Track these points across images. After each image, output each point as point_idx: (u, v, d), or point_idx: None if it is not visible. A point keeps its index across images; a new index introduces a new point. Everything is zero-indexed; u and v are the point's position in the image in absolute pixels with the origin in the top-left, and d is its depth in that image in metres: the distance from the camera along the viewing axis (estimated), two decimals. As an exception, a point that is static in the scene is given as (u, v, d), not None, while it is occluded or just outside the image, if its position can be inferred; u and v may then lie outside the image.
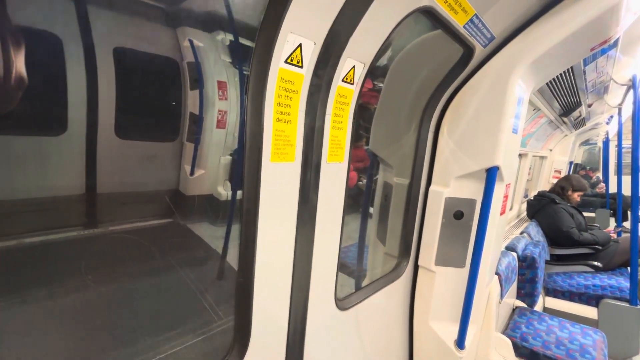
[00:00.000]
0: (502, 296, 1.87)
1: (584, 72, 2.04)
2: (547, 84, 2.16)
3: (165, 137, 1.65)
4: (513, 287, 2.28)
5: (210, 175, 1.83)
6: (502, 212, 1.57)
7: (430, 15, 0.97)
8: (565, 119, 3.58)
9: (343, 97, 0.94)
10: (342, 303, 1.19)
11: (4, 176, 1.07)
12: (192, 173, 1.75)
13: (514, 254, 2.35)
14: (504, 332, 2.07)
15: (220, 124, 1.77)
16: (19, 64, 0.73)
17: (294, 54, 0.74)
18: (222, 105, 1.71)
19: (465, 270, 1.48)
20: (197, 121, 1.70)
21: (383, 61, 1.51)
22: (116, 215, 1.43)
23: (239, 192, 0.81)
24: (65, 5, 1.04)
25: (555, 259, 3.20)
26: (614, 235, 3.44)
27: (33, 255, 1.19)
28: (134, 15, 1.17)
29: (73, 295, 1.19)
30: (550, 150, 5.06)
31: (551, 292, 2.86)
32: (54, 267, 1.24)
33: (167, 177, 1.68)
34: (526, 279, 2.42)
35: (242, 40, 1.38)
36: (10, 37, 0.68)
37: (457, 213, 1.47)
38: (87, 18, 1.08)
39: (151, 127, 1.56)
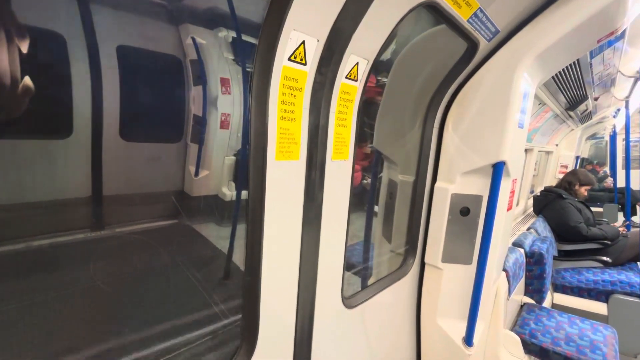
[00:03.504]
0: (510, 293, 1.86)
1: (591, 64, 2.01)
2: (552, 77, 2.13)
3: (170, 138, 1.66)
4: (521, 284, 2.26)
5: (215, 176, 1.83)
6: (509, 208, 1.55)
7: (433, 10, 0.96)
8: (571, 113, 3.53)
9: (347, 94, 0.93)
10: (349, 301, 1.19)
11: (12, 179, 1.08)
12: (196, 174, 1.76)
13: (521, 250, 2.33)
14: (512, 329, 2.05)
15: (224, 124, 1.78)
16: (24, 66, 0.73)
17: (297, 51, 0.74)
18: (226, 101, 1.71)
19: (473, 267, 1.46)
20: (201, 122, 1.70)
21: (387, 57, 1.50)
22: (122, 216, 1.43)
23: (244, 192, 0.81)
24: (69, 5, 1.04)
25: (564, 255, 3.17)
26: (623, 230, 3.39)
27: (41, 257, 1.20)
28: (136, 14, 1.18)
29: (81, 296, 1.20)
30: (557, 145, 5.00)
31: (560, 288, 2.83)
32: (62, 269, 1.25)
33: (172, 178, 1.68)
34: (534, 275, 2.39)
35: (245, 38, 1.38)
36: (16, 39, 0.69)
37: (463, 209, 1.45)
38: (90, 17, 1.08)
39: (155, 128, 1.56)
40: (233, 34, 1.49)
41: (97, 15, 1.09)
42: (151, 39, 1.28)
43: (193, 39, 1.43)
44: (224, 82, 1.69)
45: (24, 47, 0.70)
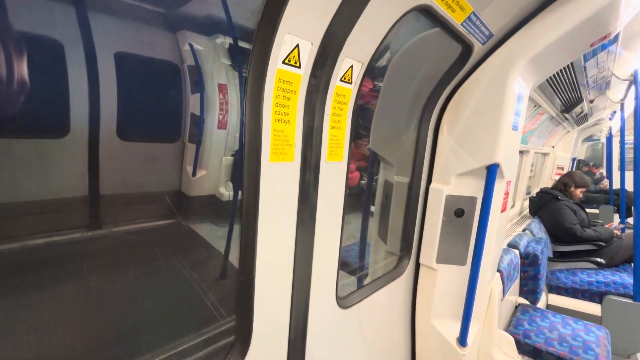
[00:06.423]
0: (504, 293, 1.87)
1: (585, 67, 2.03)
2: (547, 80, 2.15)
3: (167, 138, 1.66)
4: (515, 285, 2.27)
5: (212, 176, 1.84)
6: (503, 210, 1.57)
7: (427, 14, 0.97)
8: (567, 115, 3.56)
9: (341, 96, 0.94)
10: (344, 301, 1.20)
11: (8, 178, 1.08)
12: (194, 174, 1.76)
13: (516, 251, 2.35)
14: (506, 329, 2.07)
15: (221, 124, 1.78)
16: (21, 68, 0.74)
17: (291, 54, 0.75)
18: (223, 106, 1.72)
19: (467, 267, 1.48)
20: (198, 122, 1.71)
21: (382, 60, 1.51)
22: (119, 216, 1.44)
23: (240, 192, 0.82)
24: (67, 12, 1.05)
25: (558, 256, 3.19)
26: (618, 232, 3.42)
27: (37, 256, 1.20)
28: (134, 21, 1.18)
29: (76, 296, 1.20)
30: (553, 146, 5.03)
31: (554, 289, 2.85)
32: (58, 269, 1.25)
33: (169, 178, 1.68)
34: (529, 276, 2.41)
35: (242, 43, 1.39)
36: (13, 43, 0.69)
37: (457, 211, 1.47)
38: (88, 25, 1.09)
39: (153, 128, 1.57)
40: (229, 39, 1.50)
41: (96, 23, 1.10)
42: (149, 45, 1.28)
43: (190, 45, 1.44)
44: (221, 85, 1.69)
45: (22, 52, 0.70)
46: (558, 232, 3.23)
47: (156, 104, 1.47)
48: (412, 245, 1.56)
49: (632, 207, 4.95)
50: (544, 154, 4.90)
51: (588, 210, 3.69)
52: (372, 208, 1.83)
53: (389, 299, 1.49)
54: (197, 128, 1.71)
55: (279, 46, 0.71)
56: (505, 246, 2.39)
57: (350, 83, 0.94)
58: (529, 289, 2.43)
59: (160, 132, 1.61)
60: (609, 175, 5.38)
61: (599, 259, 3.03)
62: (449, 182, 1.45)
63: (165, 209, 1.62)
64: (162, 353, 1.10)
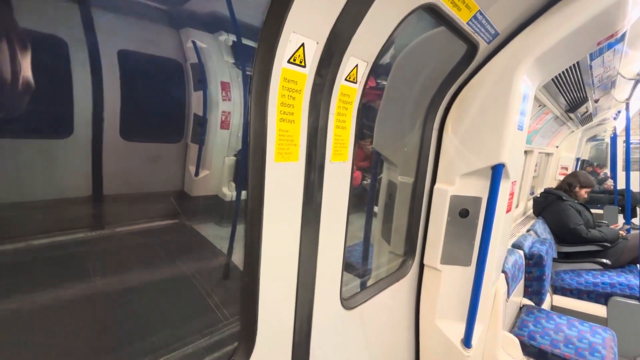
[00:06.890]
0: (509, 294, 1.86)
1: (591, 67, 2.01)
2: (552, 79, 2.13)
3: (170, 139, 1.66)
4: (520, 285, 2.26)
5: (215, 176, 1.84)
6: (508, 210, 1.55)
7: (433, 12, 0.96)
8: (571, 115, 3.53)
9: (346, 96, 0.93)
10: (348, 302, 1.19)
11: (13, 178, 1.08)
12: (196, 174, 1.76)
13: (521, 251, 2.33)
14: (511, 331, 2.06)
15: (224, 124, 1.78)
16: (26, 68, 0.74)
17: (296, 53, 0.74)
18: (226, 106, 1.72)
19: (471, 268, 1.47)
20: (201, 122, 1.71)
21: (386, 59, 1.50)
22: (122, 216, 1.44)
23: (244, 192, 0.81)
24: (71, 9, 1.05)
25: (563, 257, 3.16)
26: (623, 232, 3.39)
27: (41, 256, 1.21)
28: (138, 18, 1.18)
29: (80, 296, 1.20)
30: (557, 146, 5.00)
31: (559, 290, 2.83)
32: (62, 268, 1.26)
33: (172, 178, 1.69)
34: (533, 277, 2.39)
35: (245, 41, 1.39)
36: (18, 42, 0.69)
37: (462, 211, 1.46)
38: (92, 23, 1.09)
39: (156, 128, 1.57)
40: (233, 37, 1.49)
41: (99, 20, 1.10)
42: (152, 43, 1.28)
43: (194, 43, 1.44)
44: (225, 85, 1.69)
45: (26, 51, 0.70)
46: (563, 233, 3.20)
47: (159, 105, 1.47)
48: (416, 245, 1.55)
49: (637, 208, 4.92)
50: (548, 154, 4.87)
51: (592, 210, 3.66)
52: (376, 208, 1.83)
53: (393, 299, 1.48)
54: (200, 128, 1.71)
55: (284, 45, 0.70)
56: (509, 247, 2.37)
57: (355, 82, 0.93)
58: (534, 290, 2.41)
59: (164, 133, 1.61)
60: (614, 176, 5.34)
61: (604, 260, 3.00)
62: (454, 182, 1.44)
63: (167, 209, 1.62)
64: (166, 354, 1.10)
